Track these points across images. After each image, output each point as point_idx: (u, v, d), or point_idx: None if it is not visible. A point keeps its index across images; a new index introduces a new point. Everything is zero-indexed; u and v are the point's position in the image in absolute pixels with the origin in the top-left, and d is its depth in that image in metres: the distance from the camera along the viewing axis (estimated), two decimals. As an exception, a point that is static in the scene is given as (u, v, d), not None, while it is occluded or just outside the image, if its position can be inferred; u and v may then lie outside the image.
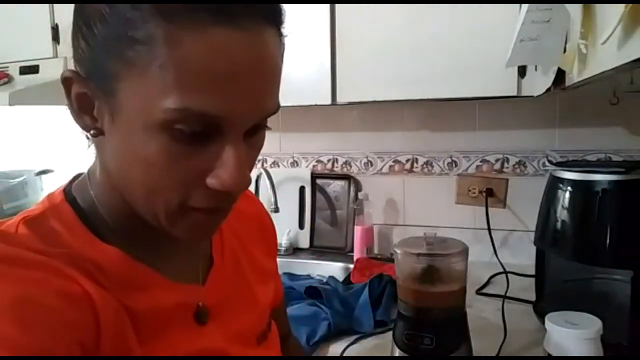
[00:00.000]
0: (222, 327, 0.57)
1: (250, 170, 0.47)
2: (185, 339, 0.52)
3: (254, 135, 0.46)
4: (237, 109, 0.42)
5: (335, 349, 1.07)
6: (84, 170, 0.55)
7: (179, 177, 0.44)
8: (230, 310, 0.59)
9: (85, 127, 0.47)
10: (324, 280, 1.39)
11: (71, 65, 0.48)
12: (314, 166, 1.79)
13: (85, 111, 0.46)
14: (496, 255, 1.42)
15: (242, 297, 0.61)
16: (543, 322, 0.77)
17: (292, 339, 0.86)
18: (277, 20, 0.45)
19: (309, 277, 1.54)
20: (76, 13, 0.45)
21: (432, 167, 1.63)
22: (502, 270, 1.35)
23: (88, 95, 0.45)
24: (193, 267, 0.57)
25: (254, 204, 0.74)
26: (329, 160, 1.77)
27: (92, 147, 0.52)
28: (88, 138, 0.51)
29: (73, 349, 0.42)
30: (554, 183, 1.05)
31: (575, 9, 0.63)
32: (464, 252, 0.87)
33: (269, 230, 0.75)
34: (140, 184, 0.45)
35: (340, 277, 1.47)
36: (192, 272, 0.56)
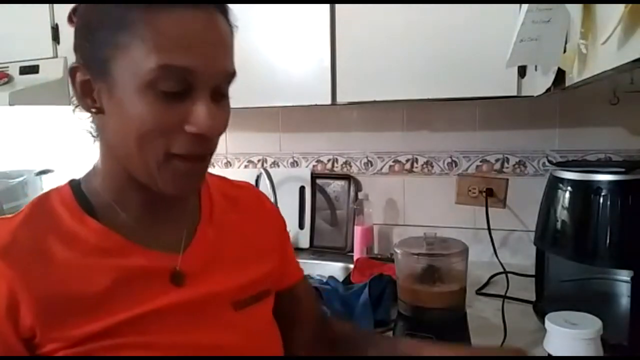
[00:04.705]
0: (197, 288, 0.63)
1: (223, 127, 0.59)
2: (159, 294, 0.60)
3: (220, 100, 0.59)
4: (203, 65, 0.55)
5: (335, 349, 1.07)
6: (84, 170, 0.67)
7: (163, 127, 0.55)
8: (207, 275, 0.65)
9: (88, 108, 0.59)
10: (324, 280, 1.38)
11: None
12: (314, 166, 1.79)
13: (87, 95, 0.59)
14: (496, 255, 1.42)
15: (223, 266, 0.67)
16: (543, 322, 0.77)
17: (338, 323, 0.86)
18: (225, 11, 0.59)
19: (309, 277, 1.54)
20: (79, 18, 0.59)
21: (432, 167, 1.63)
22: (502, 270, 1.35)
23: (90, 81, 0.58)
24: (176, 238, 0.65)
25: (251, 190, 0.81)
26: (329, 160, 1.77)
27: (97, 145, 0.64)
28: (92, 135, 0.64)
29: None
30: (554, 183, 1.05)
31: (575, 9, 0.63)
32: (464, 252, 0.87)
33: (271, 213, 0.80)
34: (134, 141, 0.55)
35: (340, 277, 1.47)
36: (174, 243, 0.65)
